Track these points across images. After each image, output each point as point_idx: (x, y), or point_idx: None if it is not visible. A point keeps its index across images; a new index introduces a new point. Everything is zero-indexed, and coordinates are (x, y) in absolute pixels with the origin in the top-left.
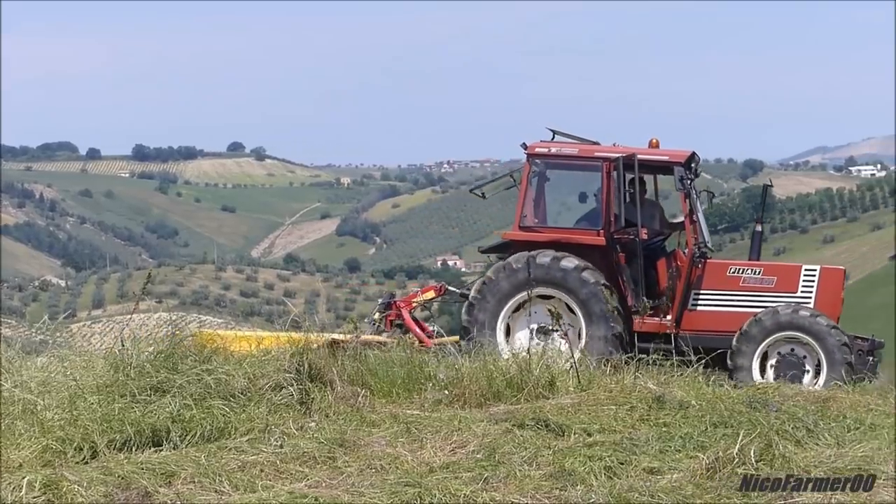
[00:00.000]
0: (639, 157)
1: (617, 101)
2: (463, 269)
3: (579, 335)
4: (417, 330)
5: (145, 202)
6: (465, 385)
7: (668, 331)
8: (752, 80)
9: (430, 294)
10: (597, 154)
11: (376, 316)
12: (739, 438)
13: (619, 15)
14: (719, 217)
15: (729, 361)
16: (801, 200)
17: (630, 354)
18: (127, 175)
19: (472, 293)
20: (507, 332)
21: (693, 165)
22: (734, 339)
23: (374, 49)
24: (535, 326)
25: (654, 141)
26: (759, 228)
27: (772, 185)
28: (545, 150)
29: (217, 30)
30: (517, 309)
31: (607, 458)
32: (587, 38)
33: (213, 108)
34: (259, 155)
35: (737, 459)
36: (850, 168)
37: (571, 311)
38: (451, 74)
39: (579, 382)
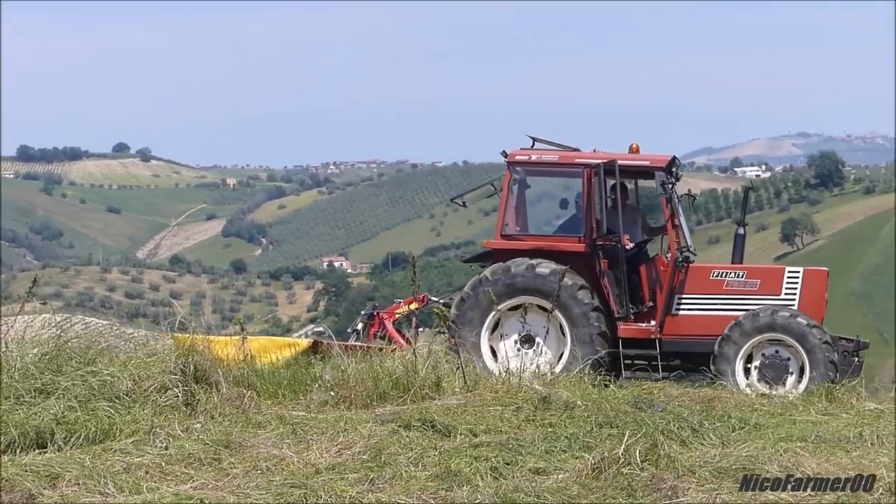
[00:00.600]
0: (620, 162)
1: (508, 100)
2: (349, 270)
3: (563, 340)
4: (401, 341)
5: (30, 203)
6: (352, 386)
7: (652, 336)
8: (636, 80)
9: (413, 305)
10: (577, 160)
11: (359, 327)
12: (625, 439)
13: (494, 14)
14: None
15: (712, 366)
16: (686, 201)
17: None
18: (11, 176)
19: (453, 310)
20: (492, 338)
21: (674, 170)
22: (716, 343)
23: (256, 49)
24: (520, 334)
25: (635, 146)
26: (741, 231)
27: (752, 188)
28: (525, 158)
29: (103, 28)
30: (500, 320)
31: (493, 459)
32: (478, 37)
33: (99, 109)
34: (144, 156)
35: (622, 459)
36: (736, 169)
37: (556, 318)
38: (336, 74)
39: (465, 383)
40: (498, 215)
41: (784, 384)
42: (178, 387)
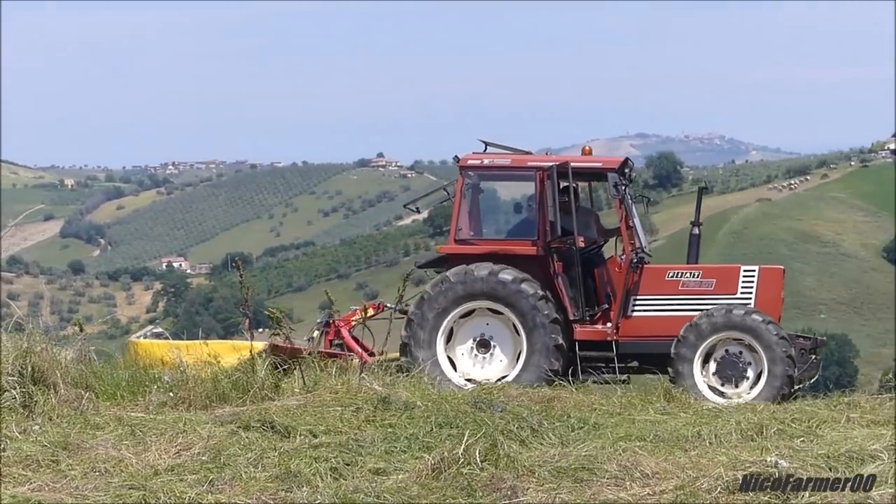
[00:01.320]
0: (572, 164)
1: (345, 98)
2: (188, 271)
3: (518, 356)
4: (358, 349)
5: None
6: (190, 387)
7: (608, 338)
8: (476, 82)
9: (370, 312)
10: (530, 163)
11: (315, 334)
12: (465, 439)
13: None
14: (445, 218)
15: (670, 368)
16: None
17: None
18: None
19: (411, 309)
20: (448, 343)
21: (627, 171)
22: (672, 345)
23: (92, 47)
24: (475, 339)
25: (587, 148)
26: (696, 231)
27: (706, 188)
28: (478, 162)
29: None
30: (452, 330)
31: (333, 460)
32: (320, 37)
33: None
34: None
35: (462, 460)
36: None
37: (512, 323)
38: (174, 71)
39: (304, 384)
40: (451, 220)
41: (743, 382)
42: (15, 388)
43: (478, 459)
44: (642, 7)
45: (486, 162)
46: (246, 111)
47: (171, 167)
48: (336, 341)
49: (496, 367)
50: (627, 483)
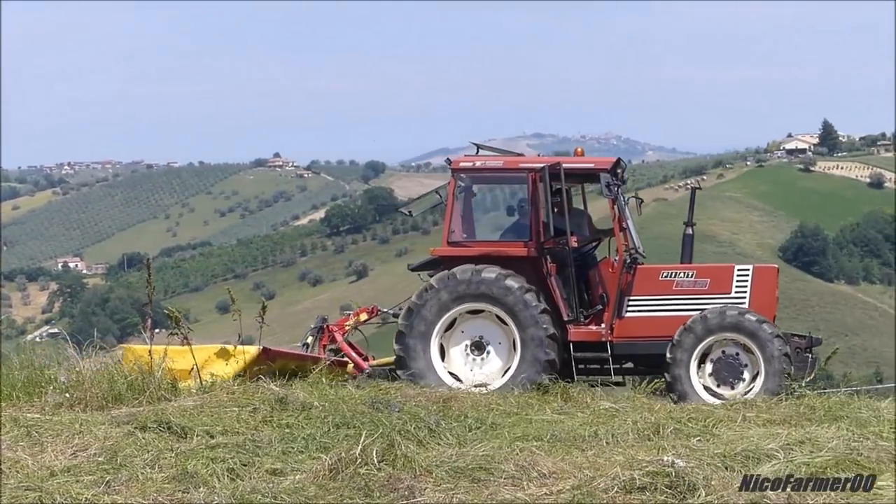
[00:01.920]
0: (564, 165)
1: (220, 98)
2: (85, 271)
3: (514, 344)
4: (352, 353)
5: None
6: (87, 388)
7: (603, 339)
8: (371, 81)
9: (363, 316)
10: (522, 165)
11: (309, 340)
12: (362, 439)
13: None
14: (341, 218)
15: (666, 373)
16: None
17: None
18: None
19: (401, 318)
20: (442, 352)
21: (619, 171)
22: (667, 349)
23: None
24: (468, 342)
25: (579, 150)
26: (689, 231)
27: (699, 188)
28: (470, 165)
29: None
30: (448, 327)
31: (230, 460)
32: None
33: None
34: None
35: (359, 460)
36: None
37: (503, 322)
38: (68, 70)
39: (202, 385)
40: (444, 222)
41: (740, 382)
42: None
43: (375, 460)
44: (541, 7)
45: (478, 164)
46: (142, 111)
47: (66, 167)
48: (330, 346)
49: (492, 366)
50: (525, 483)
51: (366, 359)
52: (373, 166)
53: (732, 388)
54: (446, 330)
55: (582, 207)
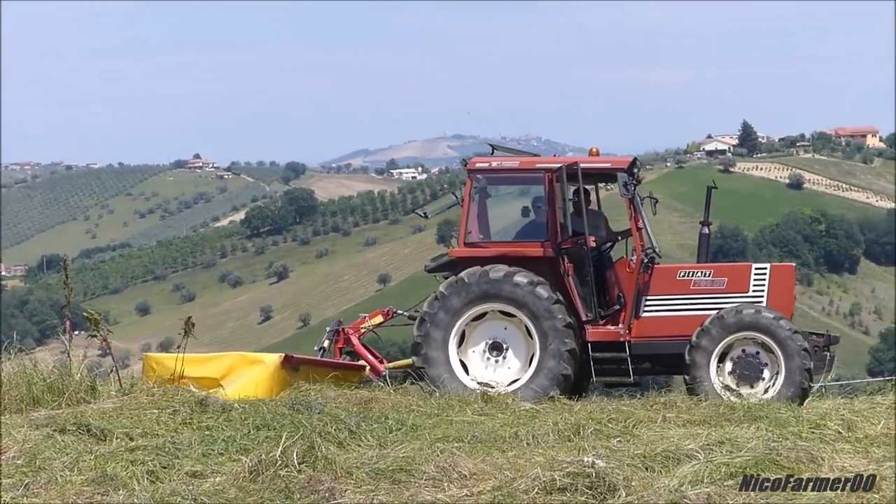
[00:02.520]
0: (581, 165)
1: (138, 99)
2: (3, 273)
3: (531, 360)
4: (369, 356)
5: None
6: (5, 390)
7: (621, 339)
8: (292, 81)
9: (378, 318)
10: (538, 165)
11: (326, 344)
12: (282, 441)
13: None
14: (262, 220)
15: (686, 375)
16: (343, 203)
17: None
18: None
19: (415, 329)
20: (460, 345)
21: (635, 171)
22: (686, 350)
23: None
24: (488, 342)
25: (594, 150)
26: (706, 230)
27: (715, 187)
28: (486, 165)
29: None
30: (464, 334)
31: (150, 463)
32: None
33: None
34: None
35: (280, 462)
36: (392, 171)
37: (525, 326)
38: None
39: (121, 387)
40: (461, 223)
41: (760, 380)
42: None
43: (295, 461)
44: (462, 6)
45: (494, 165)
46: (61, 112)
47: None
48: (346, 349)
49: (508, 370)
50: (445, 484)
51: (381, 361)
52: (293, 167)
53: (753, 386)
54: (467, 326)
55: (596, 208)
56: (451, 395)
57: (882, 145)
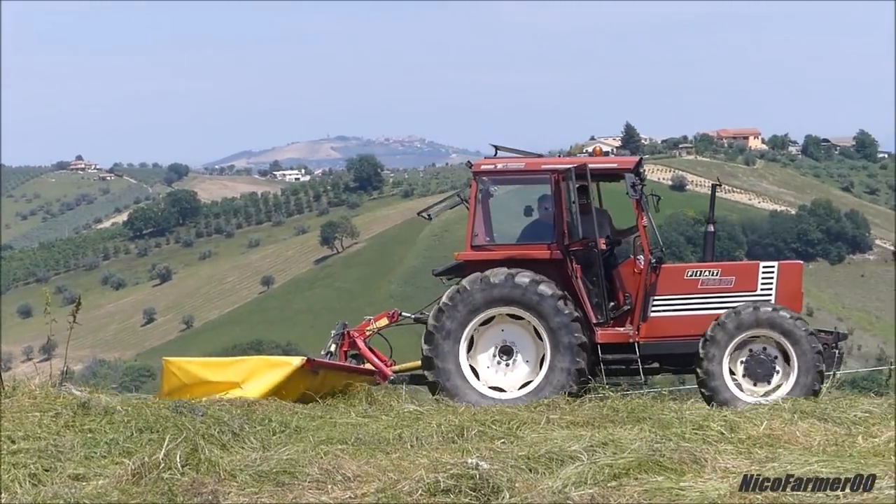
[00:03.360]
0: (590, 166)
1: (19, 99)
2: None
3: (541, 361)
4: (375, 359)
5: None
6: None
7: (630, 340)
8: (159, 82)
9: (384, 321)
10: (544, 166)
11: (332, 348)
12: (165, 443)
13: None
14: (145, 221)
15: (698, 369)
16: (226, 205)
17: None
18: None
19: (431, 318)
20: (469, 351)
21: (641, 171)
22: (700, 345)
23: None
24: (497, 346)
25: (598, 149)
26: (711, 229)
27: (720, 184)
28: (491, 167)
29: None
30: (472, 339)
31: (32, 466)
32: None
33: None
34: None
35: (163, 464)
36: (275, 172)
37: (532, 326)
38: None
39: (3, 389)
40: (467, 226)
41: (771, 379)
42: None
43: (179, 464)
44: (342, 7)
45: (499, 166)
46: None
47: None
48: (351, 352)
49: (520, 372)
50: (329, 486)
51: (388, 364)
52: (176, 169)
53: (765, 384)
54: (475, 331)
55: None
56: (469, 406)
57: (764, 147)
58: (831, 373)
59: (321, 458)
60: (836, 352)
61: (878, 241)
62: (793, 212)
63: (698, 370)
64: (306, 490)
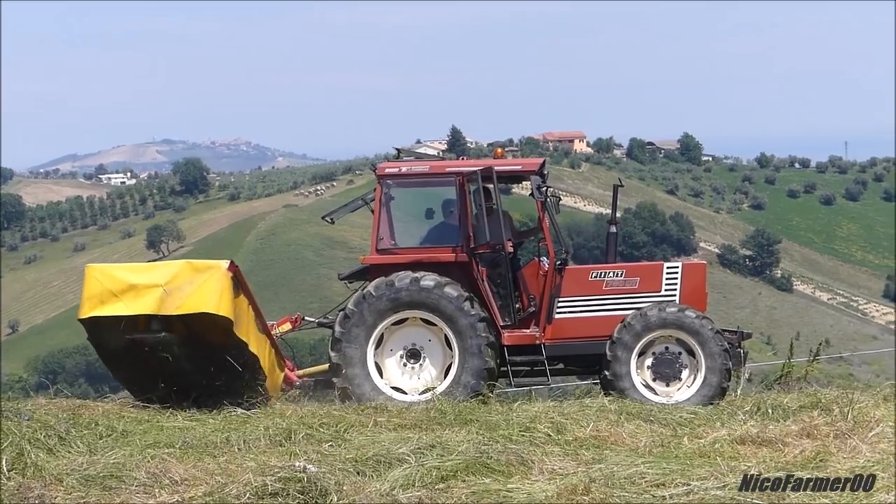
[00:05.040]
0: (495, 168)
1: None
2: None
3: (447, 369)
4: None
5: None
6: None
7: (537, 342)
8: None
9: (287, 326)
10: (449, 169)
11: None
12: None
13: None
14: None
15: (606, 371)
16: (52, 209)
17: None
18: None
19: (337, 325)
20: (377, 356)
21: (545, 173)
22: (607, 347)
23: None
24: (405, 349)
25: (500, 151)
26: (613, 230)
27: (622, 185)
28: (396, 170)
29: None
30: (382, 336)
31: None
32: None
33: None
34: None
35: None
36: (101, 176)
37: (440, 328)
38: None
39: None
40: (372, 230)
41: (679, 379)
42: None
43: (4, 469)
44: (168, 7)
45: (404, 170)
46: None
47: None
48: None
49: (428, 375)
50: (156, 490)
51: (292, 370)
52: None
53: (671, 384)
54: (380, 339)
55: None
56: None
57: (589, 150)
58: (734, 370)
59: (148, 462)
60: (741, 350)
61: (702, 244)
62: (618, 214)
63: (605, 372)
64: (134, 494)
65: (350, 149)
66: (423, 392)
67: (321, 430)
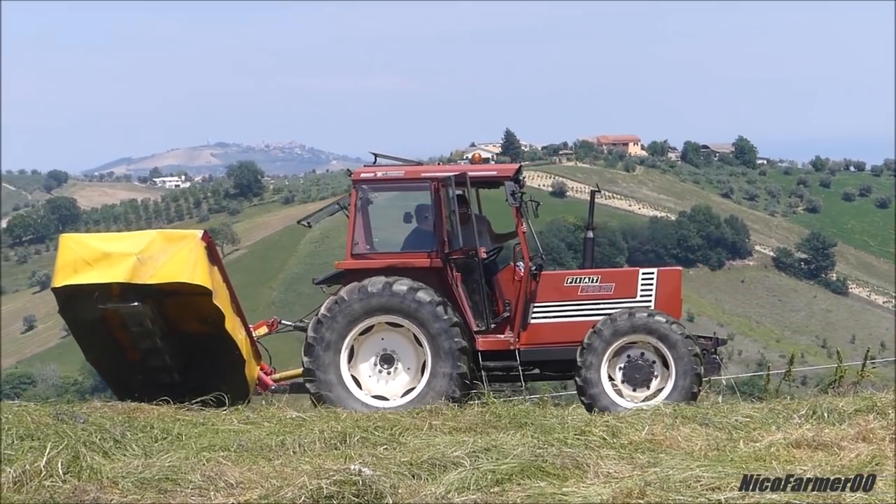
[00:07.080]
0: (470, 174)
1: None
2: None
3: (423, 367)
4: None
5: None
6: None
7: (511, 347)
8: (35, 89)
9: (263, 330)
10: (424, 174)
11: None
12: (47, 451)
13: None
14: (24, 228)
15: (577, 377)
16: (106, 212)
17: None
18: None
19: (310, 330)
20: (350, 361)
21: (521, 178)
22: (578, 353)
23: None
24: (378, 355)
25: (477, 156)
26: (590, 235)
27: (599, 190)
28: (371, 175)
29: None
30: (358, 337)
31: None
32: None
33: None
34: None
35: (44, 472)
36: (155, 179)
37: (412, 333)
38: None
39: None
40: (347, 235)
41: (650, 384)
42: None
43: (60, 472)
44: (224, 7)
45: (379, 175)
46: None
47: None
48: None
49: (401, 380)
50: (212, 493)
51: (269, 373)
52: (55, 176)
53: (643, 389)
54: (355, 342)
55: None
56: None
57: (644, 153)
58: (709, 377)
59: (203, 464)
60: (716, 357)
61: (757, 247)
62: (673, 218)
63: (577, 378)
64: (189, 497)
65: (404, 152)
66: (404, 394)
67: (376, 433)
